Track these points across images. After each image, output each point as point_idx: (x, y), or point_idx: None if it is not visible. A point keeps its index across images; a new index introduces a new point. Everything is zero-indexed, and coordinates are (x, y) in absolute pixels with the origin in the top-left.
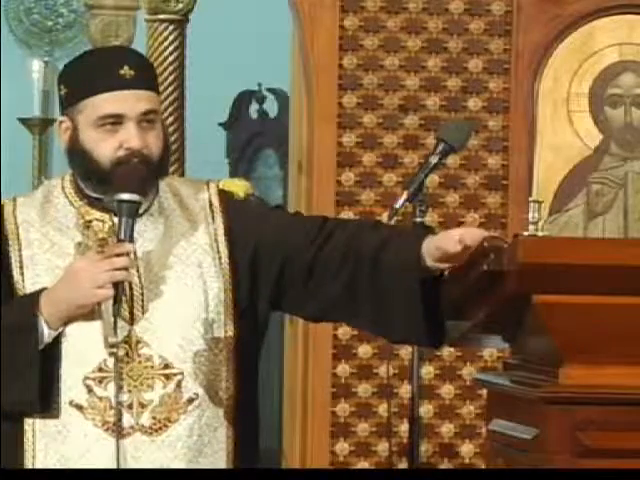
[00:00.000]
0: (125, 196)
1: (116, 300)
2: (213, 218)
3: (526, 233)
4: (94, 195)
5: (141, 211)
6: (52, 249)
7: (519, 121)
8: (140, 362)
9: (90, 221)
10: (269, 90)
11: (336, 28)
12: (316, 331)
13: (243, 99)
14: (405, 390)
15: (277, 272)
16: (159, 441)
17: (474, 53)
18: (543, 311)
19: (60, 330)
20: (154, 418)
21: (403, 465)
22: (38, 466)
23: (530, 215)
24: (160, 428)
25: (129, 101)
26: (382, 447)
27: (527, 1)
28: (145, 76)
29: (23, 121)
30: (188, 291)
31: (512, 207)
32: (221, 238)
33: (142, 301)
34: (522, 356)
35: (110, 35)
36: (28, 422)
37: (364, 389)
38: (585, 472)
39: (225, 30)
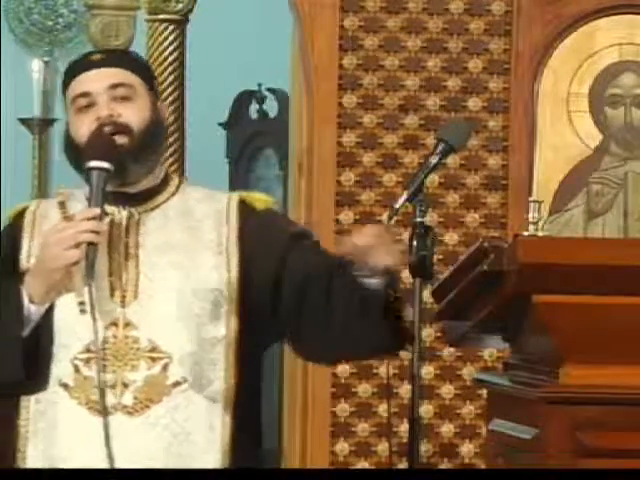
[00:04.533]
0: (92, 163)
1: (87, 261)
2: (228, 220)
3: (526, 233)
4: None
5: (152, 205)
6: None
7: (519, 121)
8: (127, 343)
9: (63, 202)
10: (269, 90)
11: (336, 28)
12: None
13: (243, 99)
14: (405, 390)
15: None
16: (139, 421)
17: (474, 53)
18: (543, 311)
19: (45, 305)
20: (136, 398)
21: (403, 465)
22: (30, 448)
23: (530, 215)
24: (141, 408)
25: (95, 79)
26: (382, 447)
27: (527, 1)
28: (115, 57)
29: (23, 121)
30: (184, 280)
31: (512, 207)
32: (233, 238)
33: (136, 286)
34: (522, 356)
35: (110, 35)
36: (24, 405)
37: (364, 389)
38: (585, 472)
39: (225, 30)
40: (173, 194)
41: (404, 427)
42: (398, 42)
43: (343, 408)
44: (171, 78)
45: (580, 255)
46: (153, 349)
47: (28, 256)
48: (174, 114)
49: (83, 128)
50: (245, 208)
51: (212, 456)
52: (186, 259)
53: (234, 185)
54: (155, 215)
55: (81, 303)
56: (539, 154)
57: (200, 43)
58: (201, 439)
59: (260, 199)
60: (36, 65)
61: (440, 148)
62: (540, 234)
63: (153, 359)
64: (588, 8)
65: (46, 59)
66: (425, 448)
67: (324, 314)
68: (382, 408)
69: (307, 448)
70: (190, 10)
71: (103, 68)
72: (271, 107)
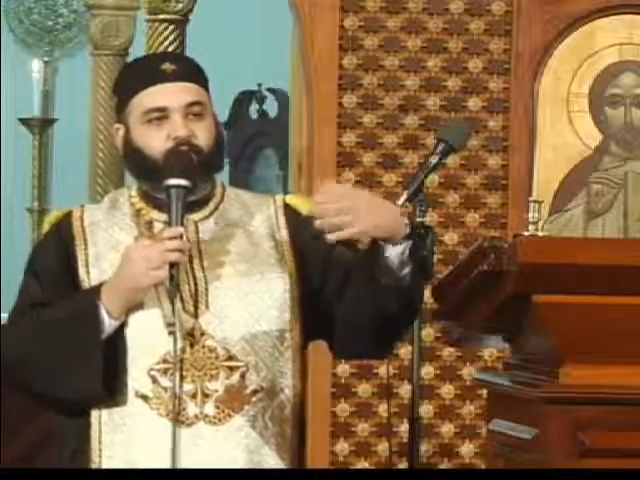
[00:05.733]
0: (172, 181)
1: (172, 282)
2: (278, 226)
3: (526, 233)
4: (157, 196)
5: (207, 213)
6: (117, 247)
7: (519, 121)
8: (204, 353)
9: (151, 221)
10: (269, 90)
11: (336, 28)
12: None
13: (243, 99)
14: (405, 390)
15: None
16: (222, 430)
17: (474, 53)
18: (543, 311)
19: (122, 320)
20: (218, 408)
21: (403, 465)
22: (104, 459)
23: (530, 215)
24: (224, 417)
25: (171, 93)
26: (382, 447)
27: (527, 1)
28: (187, 70)
29: (23, 121)
30: (251, 288)
31: (512, 207)
32: (286, 244)
33: (206, 296)
34: (522, 356)
35: (110, 35)
36: (94, 415)
37: (364, 389)
38: (585, 472)
39: (225, 30)
40: (221, 200)
41: (404, 427)
42: (398, 42)
43: (343, 408)
44: None
45: (580, 255)
46: (229, 358)
47: (86, 266)
48: None
49: (154, 141)
50: (291, 213)
51: (282, 463)
52: (251, 267)
53: (234, 185)
54: (211, 223)
55: (170, 325)
56: (539, 154)
57: (200, 43)
58: (276, 448)
59: (304, 203)
60: (36, 65)
61: (440, 148)
62: (540, 234)
63: (231, 368)
64: (588, 8)
65: (46, 59)
66: (425, 448)
67: (360, 299)
68: (382, 408)
69: (307, 448)
70: (190, 10)
71: (178, 82)
72: (271, 107)
